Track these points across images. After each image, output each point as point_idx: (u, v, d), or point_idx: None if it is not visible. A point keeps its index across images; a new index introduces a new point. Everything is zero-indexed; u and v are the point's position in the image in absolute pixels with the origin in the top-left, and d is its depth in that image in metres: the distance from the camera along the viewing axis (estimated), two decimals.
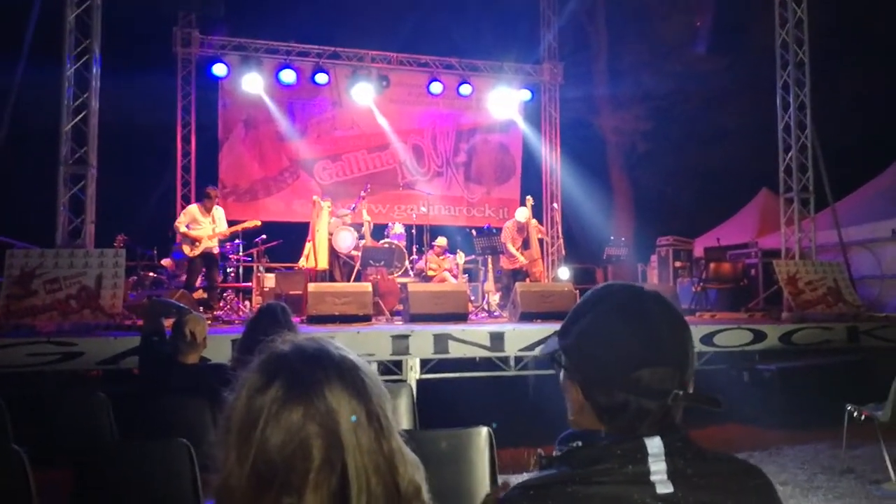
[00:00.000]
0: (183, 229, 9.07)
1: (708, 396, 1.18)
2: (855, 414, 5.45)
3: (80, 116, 7.85)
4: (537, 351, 6.86)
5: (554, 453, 1.20)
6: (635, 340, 1.17)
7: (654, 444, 1.12)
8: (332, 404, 1.01)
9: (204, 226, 9.06)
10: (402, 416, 3.96)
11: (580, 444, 1.17)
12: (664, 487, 1.10)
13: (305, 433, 1.00)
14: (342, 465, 0.99)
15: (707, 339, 7.62)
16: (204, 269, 9.28)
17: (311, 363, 1.06)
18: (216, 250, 9.33)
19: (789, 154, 10.50)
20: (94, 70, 7.99)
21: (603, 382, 1.18)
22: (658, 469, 1.11)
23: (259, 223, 10.00)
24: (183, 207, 12.57)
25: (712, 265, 12.06)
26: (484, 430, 2.72)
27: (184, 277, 10.06)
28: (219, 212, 9.30)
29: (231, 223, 9.65)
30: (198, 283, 9.55)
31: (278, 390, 1.02)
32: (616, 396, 1.16)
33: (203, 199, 9.27)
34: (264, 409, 1.01)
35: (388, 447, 1.04)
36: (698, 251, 13.58)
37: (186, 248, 9.11)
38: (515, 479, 1.23)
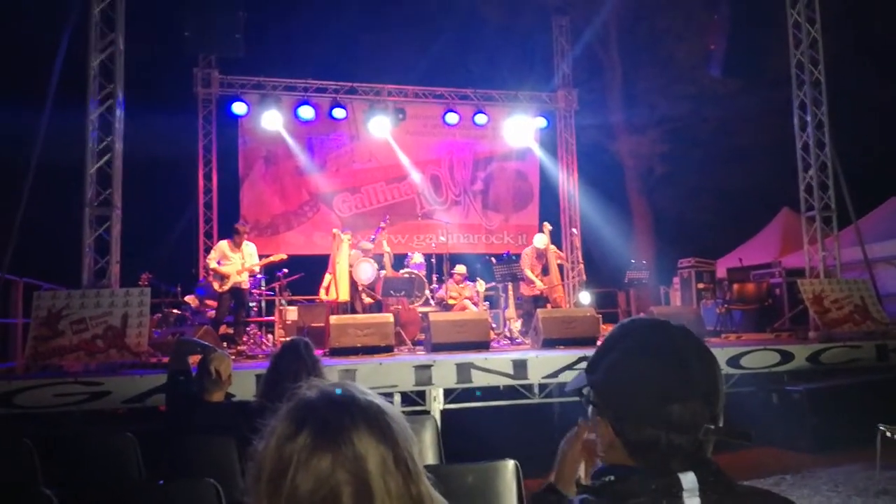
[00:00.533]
0: (213, 265, 9.19)
1: (740, 431, 1.17)
2: (888, 434, 5.35)
3: (105, 159, 8.00)
4: (564, 382, 6.81)
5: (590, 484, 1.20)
6: (664, 375, 1.17)
7: (689, 480, 1.12)
8: (360, 450, 1.03)
9: (234, 261, 9.17)
10: (427, 448, 3.94)
11: (613, 478, 1.16)
12: None
13: (335, 480, 1.01)
14: None
15: (734, 362, 7.54)
16: (233, 304, 9.35)
17: (338, 410, 1.07)
18: (245, 286, 9.41)
19: (809, 173, 10.43)
20: (118, 113, 8.17)
21: (633, 418, 1.17)
22: None
23: (285, 256, 10.08)
24: (205, 244, 12.79)
25: (736, 286, 11.94)
26: (511, 464, 2.70)
27: (209, 314, 10.16)
28: (249, 247, 9.40)
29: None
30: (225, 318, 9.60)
31: (307, 438, 1.03)
32: (646, 431, 1.15)
33: (233, 234, 9.38)
34: (294, 457, 1.02)
35: (416, 491, 1.05)
36: (721, 272, 13.46)
37: (216, 284, 9.22)
38: None
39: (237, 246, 9.25)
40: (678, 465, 1.14)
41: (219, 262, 9.17)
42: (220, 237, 11.26)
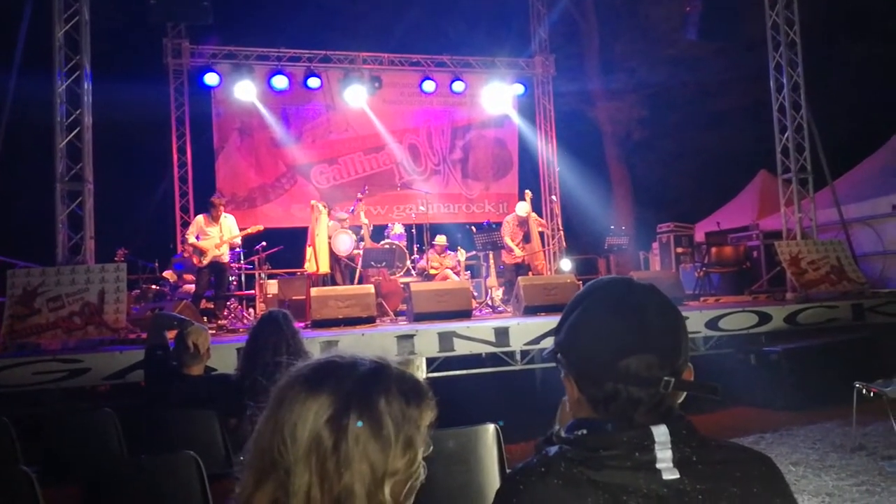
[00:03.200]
0: (192, 240, 9.09)
1: (706, 384, 1.18)
2: (864, 391, 5.45)
3: (74, 133, 7.84)
4: (545, 348, 6.85)
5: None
6: (620, 329, 1.17)
7: (661, 432, 1.12)
8: (301, 414, 1.04)
9: (212, 235, 9.06)
10: None
11: (585, 431, 1.16)
12: (670, 474, 1.10)
13: (280, 426, 1.04)
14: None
15: (712, 324, 7.62)
16: (213, 279, 9.26)
17: (327, 370, 1.10)
18: (225, 259, 9.30)
19: (785, 135, 10.48)
20: (86, 86, 7.98)
21: (592, 374, 1.19)
22: (664, 457, 1.11)
23: (262, 228, 9.98)
24: (182, 218, 12.63)
25: (714, 249, 12.05)
26: (491, 427, 2.71)
27: (185, 288, 10.08)
28: (228, 219, 9.28)
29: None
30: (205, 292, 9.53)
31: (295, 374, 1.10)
32: (606, 386, 1.17)
33: (209, 208, 9.26)
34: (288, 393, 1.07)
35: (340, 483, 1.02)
36: (699, 236, 13.57)
37: (195, 259, 9.12)
38: None
39: (214, 219, 9.14)
40: (643, 418, 1.14)
41: (197, 237, 9.06)
42: (197, 211, 11.11)
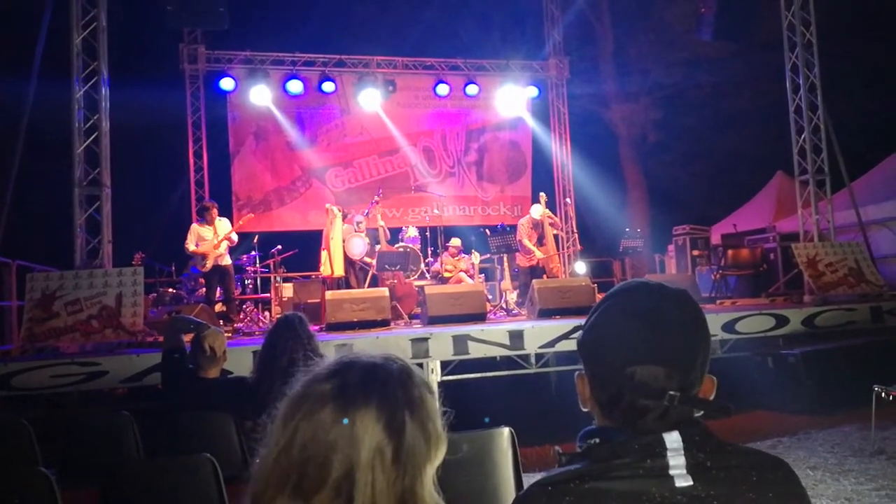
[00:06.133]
0: (192, 248, 9.11)
1: (717, 405, 1.16)
2: (882, 394, 5.39)
3: (92, 138, 7.92)
4: (561, 352, 6.83)
5: (576, 450, 1.19)
6: (631, 336, 1.16)
7: (673, 439, 1.11)
8: (359, 432, 1.02)
9: (208, 240, 9.09)
10: None
11: (598, 440, 1.16)
12: (683, 481, 1.09)
13: (329, 446, 1.01)
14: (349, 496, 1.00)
15: (729, 327, 7.56)
16: (219, 283, 9.31)
17: (366, 379, 1.08)
18: (226, 261, 9.32)
19: (802, 136, 10.40)
20: (104, 91, 8.07)
21: (600, 375, 1.20)
22: (677, 463, 1.10)
23: (252, 216, 10.00)
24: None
25: (730, 252, 11.96)
26: (506, 431, 2.70)
27: (201, 292, 10.15)
28: (222, 222, 9.29)
29: (240, 234, 9.68)
30: (216, 296, 9.59)
31: (327, 386, 1.06)
32: (610, 390, 1.17)
33: (202, 213, 9.29)
34: (309, 399, 1.05)
35: (407, 494, 1.03)
36: (715, 238, 13.48)
37: (200, 266, 9.18)
38: (540, 478, 1.22)
39: (209, 223, 9.14)
40: (654, 425, 1.14)
41: (196, 245, 9.09)
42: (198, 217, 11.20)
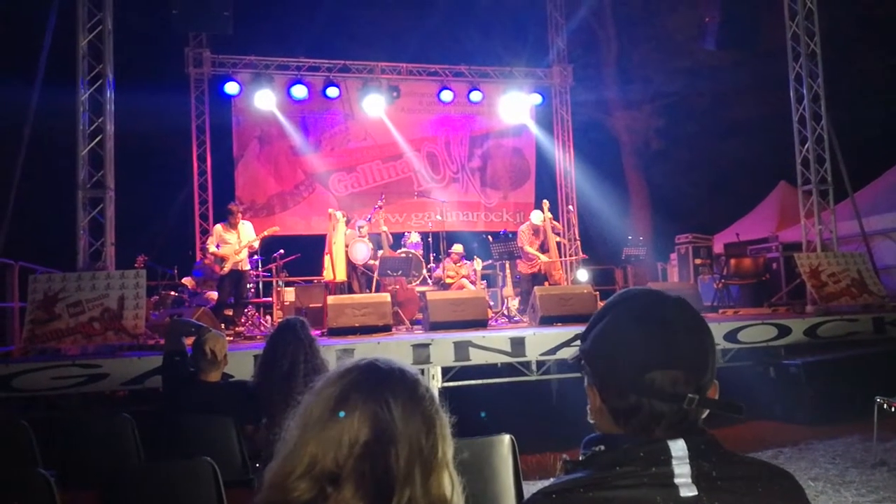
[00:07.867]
0: (212, 249, 9.14)
1: (731, 403, 1.16)
2: (885, 406, 5.38)
3: (96, 140, 7.94)
4: (562, 359, 6.81)
5: (579, 458, 1.19)
6: (647, 342, 1.16)
7: (678, 447, 1.11)
8: (396, 414, 1.09)
9: (231, 242, 9.10)
10: None
11: (603, 448, 1.15)
12: (688, 490, 1.08)
13: (358, 428, 1.07)
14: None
15: (731, 336, 7.55)
16: (233, 287, 9.28)
17: (382, 375, 1.15)
18: (245, 267, 9.33)
19: (805, 146, 10.40)
20: (108, 94, 8.09)
21: (616, 385, 1.17)
22: (682, 472, 1.09)
23: (278, 229, 10.01)
24: (201, 226, 12.76)
25: (733, 261, 11.95)
26: (506, 438, 2.70)
27: (206, 295, 10.15)
28: (245, 226, 9.32)
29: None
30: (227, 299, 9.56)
31: (358, 375, 1.14)
32: (629, 398, 1.15)
33: (227, 216, 9.32)
34: (334, 397, 1.11)
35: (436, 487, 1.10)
36: (718, 247, 13.47)
37: (216, 268, 9.19)
38: (540, 485, 1.22)
39: (232, 226, 9.18)
40: (663, 432, 1.13)
41: (217, 246, 9.11)
42: (217, 218, 11.20)
